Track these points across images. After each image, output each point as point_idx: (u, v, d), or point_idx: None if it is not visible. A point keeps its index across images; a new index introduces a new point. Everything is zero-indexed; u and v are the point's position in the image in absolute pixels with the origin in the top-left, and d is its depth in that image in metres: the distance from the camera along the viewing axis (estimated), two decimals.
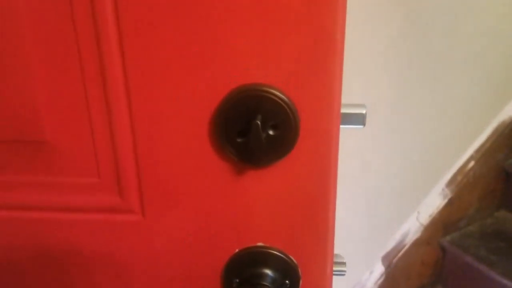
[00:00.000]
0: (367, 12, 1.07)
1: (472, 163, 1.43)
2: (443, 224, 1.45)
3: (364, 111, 0.44)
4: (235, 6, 0.38)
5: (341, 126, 0.41)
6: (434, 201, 1.42)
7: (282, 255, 0.46)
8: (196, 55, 0.39)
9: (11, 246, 0.51)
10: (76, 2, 0.39)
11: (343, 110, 0.41)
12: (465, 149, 1.42)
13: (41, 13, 0.40)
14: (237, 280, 0.47)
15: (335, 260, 0.49)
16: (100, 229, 0.48)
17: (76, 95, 0.43)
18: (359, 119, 0.44)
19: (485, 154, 1.44)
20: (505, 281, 1.28)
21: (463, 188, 1.43)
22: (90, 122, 0.44)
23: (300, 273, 0.46)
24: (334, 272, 0.48)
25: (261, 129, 0.39)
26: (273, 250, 0.46)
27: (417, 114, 1.28)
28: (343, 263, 0.49)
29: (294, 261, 0.46)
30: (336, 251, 0.48)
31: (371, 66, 1.14)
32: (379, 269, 1.40)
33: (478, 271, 1.35)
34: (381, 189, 1.31)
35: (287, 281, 0.46)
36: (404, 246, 1.41)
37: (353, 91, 1.07)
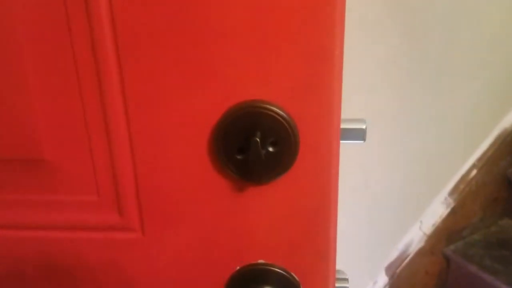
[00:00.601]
0: (366, 23, 1.07)
1: (474, 172, 1.42)
2: (446, 233, 1.44)
3: (364, 126, 0.44)
4: (232, 23, 0.38)
5: (341, 141, 0.41)
6: (437, 210, 1.41)
7: (283, 272, 0.45)
8: (194, 72, 0.39)
9: (9, 265, 0.50)
10: (73, 22, 0.39)
11: (343, 126, 0.41)
12: (467, 157, 1.42)
13: (38, 31, 0.40)
14: None
15: (337, 276, 0.48)
16: (99, 247, 0.48)
17: (75, 113, 0.43)
18: (359, 134, 0.44)
19: (488, 162, 1.43)
20: None
21: (466, 196, 1.42)
22: (89, 140, 0.44)
23: None
24: None
25: (261, 145, 0.39)
26: (274, 267, 0.45)
27: (418, 123, 1.27)
28: (346, 279, 0.49)
29: (296, 278, 0.46)
30: (338, 262, 0.48)
31: (371, 77, 1.14)
32: (382, 280, 1.39)
33: (482, 280, 1.34)
34: (383, 199, 1.31)
35: None
36: (408, 256, 1.40)
37: (354, 102, 1.07)
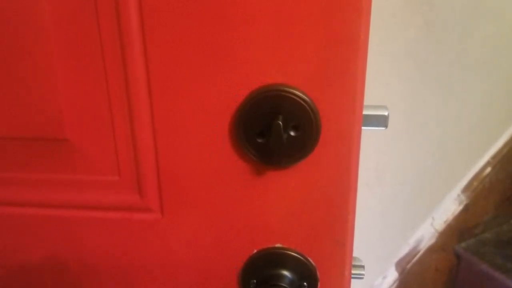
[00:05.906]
0: (383, 19, 1.06)
1: (488, 169, 1.41)
2: (458, 230, 1.43)
3: (386, 113, 0.44)
4: (255, 6, 0.38)
5: (363, 127, 0.41)
6: (450, 207, 1.40)
7: (300, 257, 0.45)
8: (216, 56, 0.39)
9: (29, 243, 0.51)
10: (100, 2, 0.40)
11: (365, 112, 0.41)
12: (482, 155, 1.40)
13: (65, 12, 0.40)
14: (255, 281, 0.47)
15: (354, 263, 0.48)
16: (119, 227, 0.48)
17: (98, 93, 0.43)
18: (381, 121, 0.43)
19: (502, 160, 1.41)
20: None
21: (479, 194, 1.41)
22: (112, 120, 0.44)
23: (318, 275, 0.46)
24: (352, 275, 0.48)
25: (282, 129, 0.39)
26: (291, 252, 0.45)
27: (432, 119, 1.27)
28: (362, 266, 0.49)
29: (313, 263, 0.46)
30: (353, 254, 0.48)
31: (386, 72, 1.13)
32: (392, 275, 1.39)
33: (494, 279, 1.33)
34: (395, 194, 1.30)
35: (305, 283, 0.46)
36: (418, 252, 1.39)
37: (368, 97, 1.06)
